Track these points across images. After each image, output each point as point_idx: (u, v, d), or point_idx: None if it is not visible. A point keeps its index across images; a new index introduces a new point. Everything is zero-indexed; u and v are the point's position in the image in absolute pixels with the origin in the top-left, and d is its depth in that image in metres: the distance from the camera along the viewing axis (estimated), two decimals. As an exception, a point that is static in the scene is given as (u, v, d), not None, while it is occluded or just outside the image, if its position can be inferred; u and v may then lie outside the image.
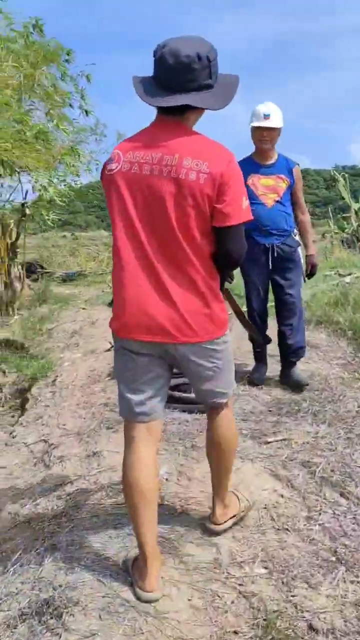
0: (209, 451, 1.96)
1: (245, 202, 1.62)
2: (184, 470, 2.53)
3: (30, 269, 10.00)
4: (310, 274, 3.54)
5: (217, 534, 2.02)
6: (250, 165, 3.37)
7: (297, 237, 3.51)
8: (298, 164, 3.46)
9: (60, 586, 1.74)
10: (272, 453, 2.69)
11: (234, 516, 2.08)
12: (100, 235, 15.08)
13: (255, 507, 2.21)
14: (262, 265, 3.42)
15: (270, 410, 3.21)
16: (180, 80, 1.53)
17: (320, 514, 2.22)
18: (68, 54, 7.77)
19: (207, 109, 1.61)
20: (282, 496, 2.33)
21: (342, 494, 2.36)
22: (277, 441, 2.81)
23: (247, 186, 3.21)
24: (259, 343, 3.55)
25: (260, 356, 3.75)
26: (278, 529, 2.11)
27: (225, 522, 2.04)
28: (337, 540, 2.05)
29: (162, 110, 1.61)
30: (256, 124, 3.28)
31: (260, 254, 3.38)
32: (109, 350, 4.83)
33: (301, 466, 2.57)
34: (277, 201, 3.35)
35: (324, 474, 2.50)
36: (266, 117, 3.26)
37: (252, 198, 3.20)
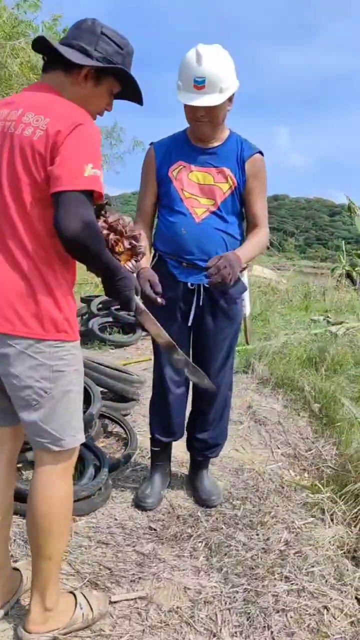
0: (27, 521, 1.49)
1: (92, 171, 1.28)
2: None
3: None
4: (216, 282, 1.83)
5: None
6: (179, 147, 2.07)
7: (244, 278, 2.17)
8: (260, 152, 2.06)
9: None
10: (109, 631, 1.57)
11: (62, 628, 1.46)
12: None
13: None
14: (182, 318, 2.10)
15: (150, 528, 2.08)
16: (70, 35, 1.47)
17: None
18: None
19: (62, 55, 1.38)
20: None
21: None
22: (128, 601, 1.69)
23: (168, 180, 2.06)
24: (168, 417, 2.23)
25: (160, 458, 2.33)
26: None
27: (46, 633, 1.44)
28: None
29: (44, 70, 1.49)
30: (186, 101, 1.90)
31: (178, 298, 2.06)
32: None
33: (141, 672, 1.45)
34: (213, 212, 2.02)
35: None
36: (199, 85, 1.85)
37: (174, 203, 2.06)
